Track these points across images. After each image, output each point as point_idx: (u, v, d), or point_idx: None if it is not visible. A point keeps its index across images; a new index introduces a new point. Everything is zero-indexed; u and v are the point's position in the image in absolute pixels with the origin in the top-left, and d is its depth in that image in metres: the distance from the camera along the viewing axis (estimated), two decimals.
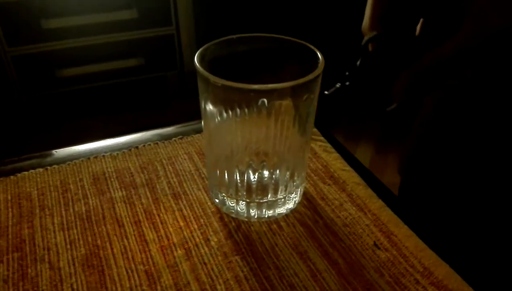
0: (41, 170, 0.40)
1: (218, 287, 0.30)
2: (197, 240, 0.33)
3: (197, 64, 0.30)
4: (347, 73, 0.31)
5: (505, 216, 0.43)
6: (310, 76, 0.29)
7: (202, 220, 0.35)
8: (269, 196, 0.34)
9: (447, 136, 0.46)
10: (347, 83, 0.31)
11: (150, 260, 0.32)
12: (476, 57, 0.26)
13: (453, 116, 0.45)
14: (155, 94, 1.82)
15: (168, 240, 0.33)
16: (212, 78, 0.28)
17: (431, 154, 0.49)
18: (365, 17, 0.32)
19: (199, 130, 0.45)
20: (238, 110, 0.30)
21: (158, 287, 0.30)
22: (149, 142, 0.44)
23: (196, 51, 0.31)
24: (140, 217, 0.35)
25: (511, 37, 0.26)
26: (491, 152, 0.42)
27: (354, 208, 0.36)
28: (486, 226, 0.44)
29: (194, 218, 0.35)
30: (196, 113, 0.34)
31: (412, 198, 0.53)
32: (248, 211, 0.34)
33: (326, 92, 0.32)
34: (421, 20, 0.34)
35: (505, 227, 0.43)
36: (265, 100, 0.29)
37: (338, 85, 0.31)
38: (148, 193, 0.37)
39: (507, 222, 0.42)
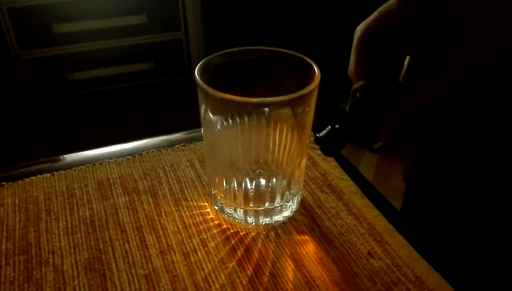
0: (48, 175, 0.41)
1: None
2: (196, 245, 0.34)
3: (196, 76, 0.31)
4: (336, 117, 0.32)
5: (504, 228, 0.43)
6: (306, 90, 0.30)
7: (201, 226, 0.36)
8: (266, 204, 0.35)
9: (452, 143, 0.47)
10: (337, 126, 0.32)
11: (150, 264, 0.33)
12: (458, 99, 0.28)
13: (458, 125, 0.45)
14: (163, 98, 1.84)
15: (168, 245, 0.34)
16: (211, 91, 0.30)
17: (436, 160, 0.50)
18: (350, 62, 0.33)
19: None
20: (237, 119, 0.31)
21: None
22: (152, 149, 0.45)
23: (204, 56, 0.33)
24: (142, 223, 0.36)
25: (490, 77, 0.27)
26: (497, 164, 0.42)
27: (350, 216, 0.37)
28: (483, 235, 0.45)
29: (193, 224, 0.36)
30: None
31: (416, 204, 0.54)
32: (245, 218, 0.35)
33: (317, 135, 0.33)
34: (408, 58, 0.34)
35: (502, 240, 0.43)
36: (265, 109, 0.30)
37: (328, 128, 0.33)
38: (150, 199, 0.39)
39: (505, 234, 0.43)
